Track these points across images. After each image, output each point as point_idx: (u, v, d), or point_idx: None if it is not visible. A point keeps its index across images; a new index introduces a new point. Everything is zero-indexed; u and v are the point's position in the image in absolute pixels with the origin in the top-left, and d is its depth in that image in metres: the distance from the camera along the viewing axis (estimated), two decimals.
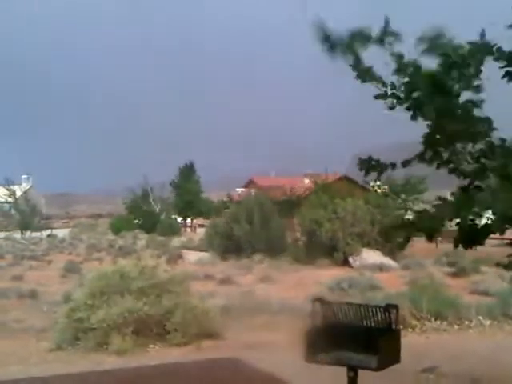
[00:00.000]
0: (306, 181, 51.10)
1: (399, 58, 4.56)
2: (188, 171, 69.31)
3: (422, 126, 4.86)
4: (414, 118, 4.71)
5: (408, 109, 4.70)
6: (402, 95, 4.67)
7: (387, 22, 4.46)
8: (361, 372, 3.78)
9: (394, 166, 4.97)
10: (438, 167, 4.84)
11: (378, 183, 44.73)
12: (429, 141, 4.70)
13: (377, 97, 4.72)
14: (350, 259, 23.13)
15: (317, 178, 46.62)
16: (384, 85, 4.71)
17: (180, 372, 3.33)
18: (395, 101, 4.69)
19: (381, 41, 4.50)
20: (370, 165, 4.97)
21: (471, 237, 4.68)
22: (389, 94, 4.70)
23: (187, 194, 66.72)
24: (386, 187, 46.55)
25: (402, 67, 4.57)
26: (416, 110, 4.66)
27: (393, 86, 4.69)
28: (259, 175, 75.57)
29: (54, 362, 8.38)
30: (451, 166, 4.76)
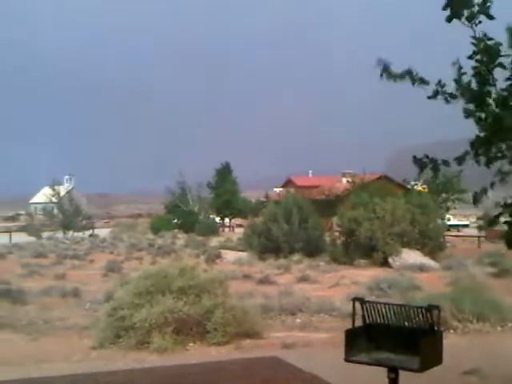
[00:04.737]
0: (344, 180, 50.87)
1: (480, 40, 4.42)
2: (224, 171, 69.53)
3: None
4: (470, 113, 4.54)
5: (467, 102, 4.54)
6: (453, 91, 4.53)
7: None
8: (401, 373, 3.75)
9: (446, 162, 4.82)
10: (489, 162, 4.63)
11: (418, 182, 44.08)
12: (490, 131, 4.49)
13: (430, 97, 4.62)
14: (390, 259, 22.89)
15: (355, 177, 46.40)
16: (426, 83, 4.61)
17: (221, 370, 3.35)
18: (448, 97, 4.57)
19: (471, 18, 4.34)
20: (424, 163, 4.84)
21: None
22: (440, 91, 4.60)
23: (225, 194, 66.92)
24: (426, 186, 45.94)
25: (483, 50, 4.42)
26: (476, 102, 4.49)
27: (441, 84, 4.58)
28: (297, 175, 75.51)
29: (97, 359, 8.53)
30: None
